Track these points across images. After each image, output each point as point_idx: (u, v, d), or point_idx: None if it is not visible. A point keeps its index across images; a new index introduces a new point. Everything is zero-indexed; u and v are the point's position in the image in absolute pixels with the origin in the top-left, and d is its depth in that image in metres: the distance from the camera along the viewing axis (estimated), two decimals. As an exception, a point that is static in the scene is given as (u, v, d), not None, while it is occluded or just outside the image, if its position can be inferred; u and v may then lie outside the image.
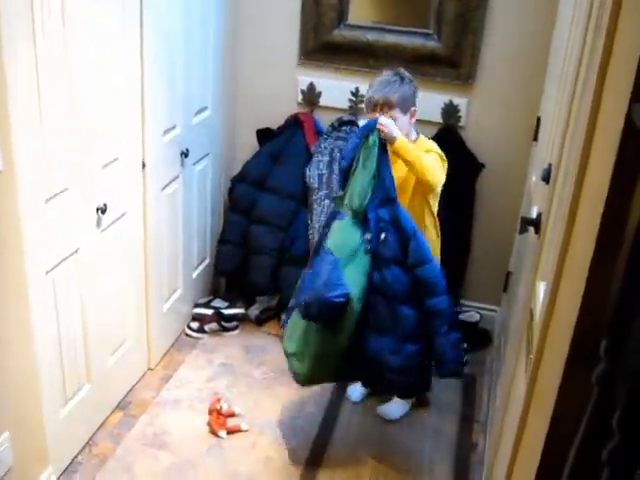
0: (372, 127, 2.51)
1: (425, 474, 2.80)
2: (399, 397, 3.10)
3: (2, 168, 2.00)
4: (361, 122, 3.46)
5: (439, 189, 2.65)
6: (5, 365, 2.19)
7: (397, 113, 2.60)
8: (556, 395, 1.18)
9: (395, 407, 3.09)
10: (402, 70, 2.69)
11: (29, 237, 2.18)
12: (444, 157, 2.67)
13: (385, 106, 2.59)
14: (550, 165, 2.05)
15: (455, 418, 3.12)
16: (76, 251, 2.49)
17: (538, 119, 3.08)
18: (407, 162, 2.52)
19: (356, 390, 3.16)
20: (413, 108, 2.66)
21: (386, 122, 2.51)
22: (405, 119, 2.63)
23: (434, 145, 2.72)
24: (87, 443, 2.79)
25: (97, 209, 2.56)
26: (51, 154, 2.24)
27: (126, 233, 2.83)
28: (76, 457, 2.72)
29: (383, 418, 3.06)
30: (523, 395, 1.65)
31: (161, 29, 2.81)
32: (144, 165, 2.88)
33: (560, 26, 2.79)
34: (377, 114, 2.57)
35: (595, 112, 1.30)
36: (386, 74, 2.66)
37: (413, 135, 2.70)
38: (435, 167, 2.56)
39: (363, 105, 2.70)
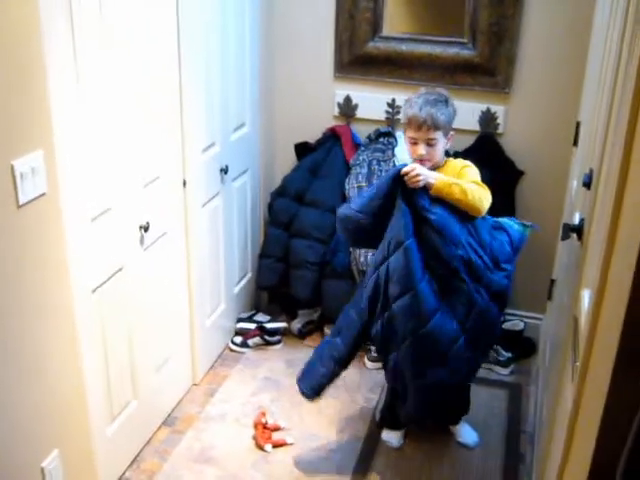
0: (396, 176, 2.44)
1: (473, 486, 2.77)
2: (450, 424, 3.03)
3: (47, 191, 2.05)
4: (398, 134, 3.48)
5: None
6: (53, 383, 2.23)
7: (440, 135, 2.52)
8: (604, 404, 1.16)
9: (467, 430, 3.01)
10: (444, 91, 2.63)
11: (75, 257, 2.22)
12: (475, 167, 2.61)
13: (431, 127, 2.49)
14: (591, 170, 2.02)
15: (501, 429, 3.08)
16: (120, 269, 2.52)
17: (578, 124, 3.05)
18: (454, 200, 2.44)
19: (393, 436, 2.99)
20: (452, 132, 2.60)
21: (417, 169, 2.42)
22: (443, 142, 2.56)
23: (464, 161, 2.65)
24: (135, 459, 2.83)
25: (140, 227, 2.60)
26: (94, 175, 2.29)
27: (169, 250, 2.87)
28: (124, 474, 2.75)
29: (467, 445, 2.97)
30: (570, 405, 1.63)
31: (198, 47, 2.85)
32: (185, 183, 2.92)
33: (597, 30, 2.76)
34: (419, 141, 2.51)
35: (635, 115, 1.28)
36: (430, 93, 2.58)
37: (443, 159, 2.62)
38: (481, 192, 2.47)
39: (402, 122, 2.60)
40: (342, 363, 2.73)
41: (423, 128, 2.50)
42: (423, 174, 2.42)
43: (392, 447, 2.95)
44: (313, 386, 2.77)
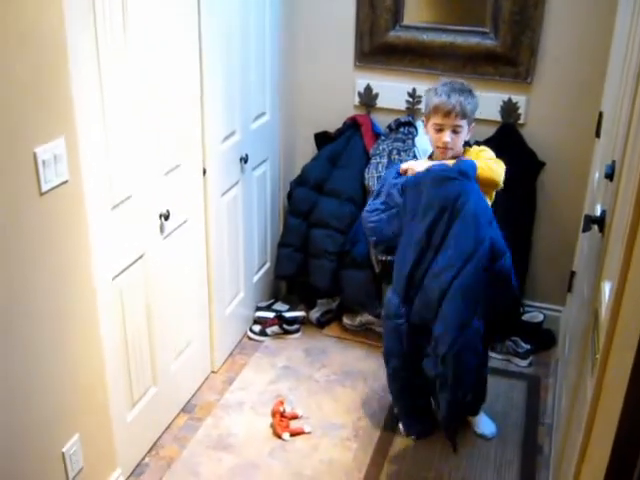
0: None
1: (490, 478, 2.76)
2: (469, 414, 3.01)
3: (69, 178, 2.06)
4: (419, 123, 3.46)
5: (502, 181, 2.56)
6: (75, 369, 2.25)
7: (465, 124, 2.54)
8: (624, 397, 1.15)
9: (485, 420, 3.00)
10: (465, 82, 2.65)
11: (97, 244, 2.24)
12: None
13: (459, 114, 2.51)
14: (614, 162, 2.00)
15: (520, 421, 3.07)
16: (141, 257, 2.54)
17: (600, 115, 3.02)
18: None
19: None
20: (473, 123, 2.62)
21: (410, 164, 2.57)
22: (466, 132, 2.58)
23: (479, 146, 2.68)
24: (154, 445, 2.85)
25: (160, 215, 2.61)
26: (115, 162, 2.30)
27: (188, 239, 2.88)
28: (143, 459, 2.78)
29: (484, 436, 2.96)
30: (589, 397, 1.62)
31: (219, 37, 2.85)
32: (205, 171, 2.93)
33: (621, 19, 2.73)
34: (445, 128, 2.53)
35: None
36: (455, 82, 2.59)
37: (462, 149, 2.63)
38: (492, 163, 2.52)
39: (426, 110, 2.61)
40: (416, 375, 2.76)
41: (451, 115, 2.52)
42: (419, 165, 2.54)
43: (410, 437, 2.95)
44: (421, 423, 2.94)
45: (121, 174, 2.35)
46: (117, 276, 2.42)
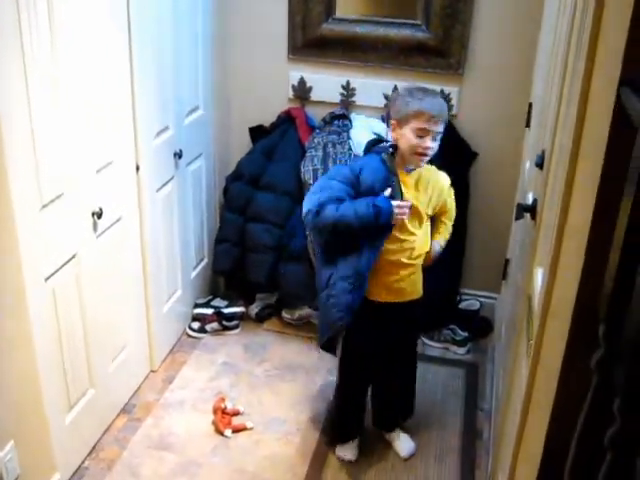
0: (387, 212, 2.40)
1: (432, 464, 2.80)
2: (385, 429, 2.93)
3: (-5, 177, 2.00)
4: (353, 116, 3.47)
5: None
6: (7, 373, 2.19)
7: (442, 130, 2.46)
8: (557, 381, 1.18)
9: (406, 441, 2.88)
10: None
11: (26, 245, 2.18)
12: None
13: (441, 121, 2.40)
14: (543, 151, 2.05)
15: (458, 407, 3.12)
16: (74, 257, 2.48)
17: (530, 105, 3.08)
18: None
19: (347, 449, 2.83)
20: None
21: (406, 209, 2.43)
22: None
23: (446, 177, 2.63)
24: (93, 448, 2.80)
25: (93, 214, 2.56)
26: (44, 160, 2.23)
27: (123, 237, 2.83)
28: (83, 463, 2.72)
29: (404, 457, 2.84)
30: (525, 382, 1.65)
31: (149, 31, 2.80)
32: (138, 168, 2.88)
33: (549, 11, 2.79)
34: (430, 134, 2.39)
35: (585, 96, 1.30)
36: (426, 88, 2.49)
37: None
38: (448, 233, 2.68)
39: (404, 113, 2.40)
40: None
41: (436, 120, 2.39)
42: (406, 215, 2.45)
43: (349, 460, 2.81)
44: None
45: (51, 172, 2.28)
46: (49, 277, 2.36)
